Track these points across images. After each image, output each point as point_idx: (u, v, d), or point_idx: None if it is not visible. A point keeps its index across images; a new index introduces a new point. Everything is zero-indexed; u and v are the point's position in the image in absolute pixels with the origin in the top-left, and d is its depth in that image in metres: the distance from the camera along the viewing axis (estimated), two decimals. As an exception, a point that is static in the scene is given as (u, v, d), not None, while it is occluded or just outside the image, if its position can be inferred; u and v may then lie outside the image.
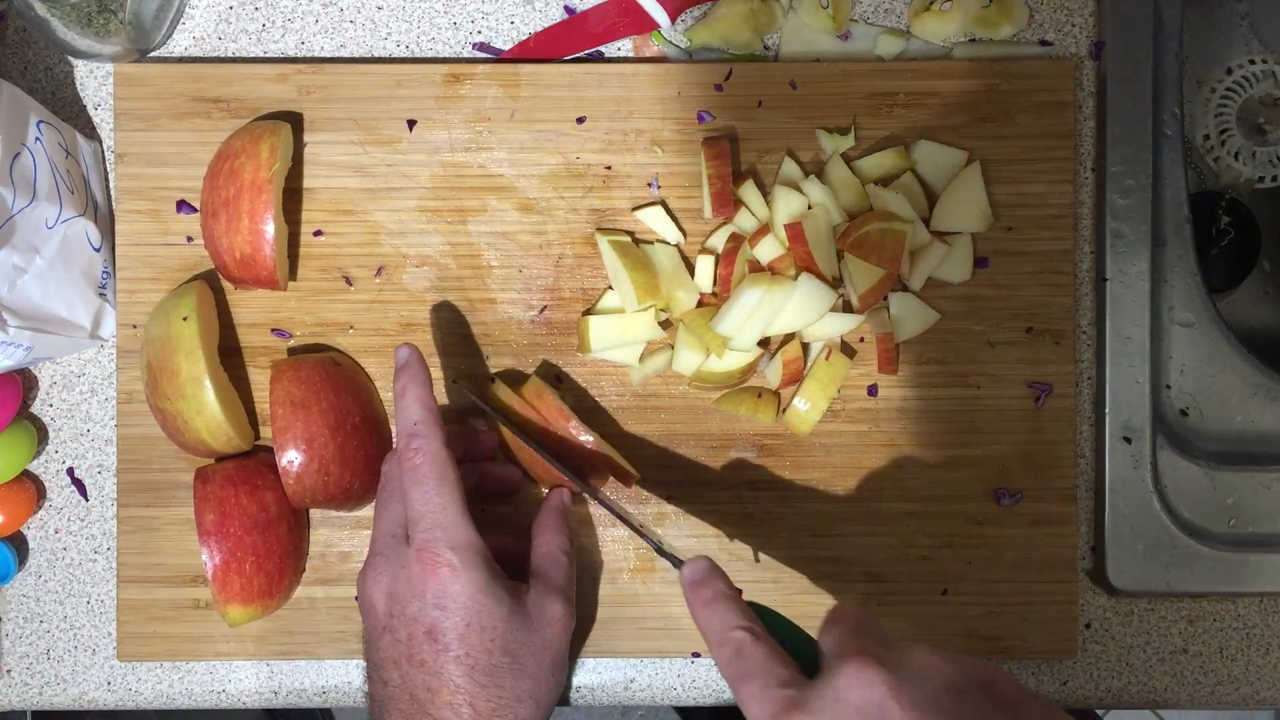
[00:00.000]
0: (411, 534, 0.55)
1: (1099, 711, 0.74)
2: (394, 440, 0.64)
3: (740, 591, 0.51)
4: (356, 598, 0.58)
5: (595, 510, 0.64)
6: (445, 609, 0.53)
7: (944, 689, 0.44)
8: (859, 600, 0.64)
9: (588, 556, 0.64)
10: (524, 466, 0.63)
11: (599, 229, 0.64)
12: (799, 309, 0.62)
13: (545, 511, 0.61)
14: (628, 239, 0.64)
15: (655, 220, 0.64)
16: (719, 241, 0.64)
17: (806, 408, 0.63)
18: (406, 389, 0.57)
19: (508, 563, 0.57)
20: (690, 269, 0.64)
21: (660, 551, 0.58)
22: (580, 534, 0.64)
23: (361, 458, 0.61)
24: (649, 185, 0.65)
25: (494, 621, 0.54)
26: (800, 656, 0.48)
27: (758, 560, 0.63)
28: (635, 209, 0.65)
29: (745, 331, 0.61)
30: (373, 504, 0.64)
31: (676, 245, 0.64)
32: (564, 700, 0.67)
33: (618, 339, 0.63)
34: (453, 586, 0.53)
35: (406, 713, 0.53)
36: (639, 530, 0.61)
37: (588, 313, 0.64)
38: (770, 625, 0.50)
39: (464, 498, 0.55)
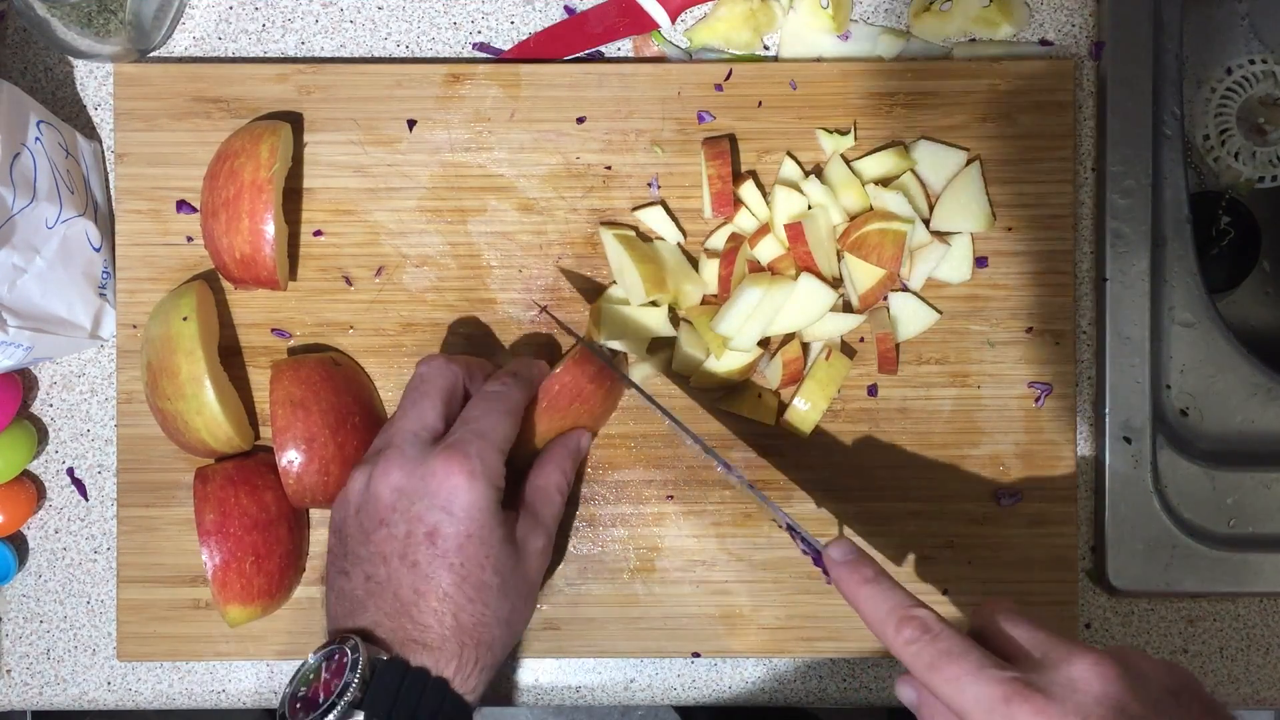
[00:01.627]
0: (451, 433, 0.55)
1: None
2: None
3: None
4: (348, 491, 0.56)
5: (596, 510, 0.64)
6: (451, 514, 0.53)
7: (1165, 690, 0.45)
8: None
9: (588, 557, 0.64)
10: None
11: (603, 223, 0.64)
12: (799, 309, 0.62)
13: (556, 446, 0.61)
14: (632, 233, 0.64)
15: (655, 220, 0.64)
16: (719, 241, 0.64)
17: (806, 408, 0.63)
18: (530, 363, 0.60)
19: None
20: (694, 264, 0.64)
21: (792, 531, 0.57)
22: (582, 534, 0.64)
23: (361, 458, 0.61)
24: (649, 185, 0.65)
25: (492, 539, 0.54)
26: None
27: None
28: (635, 209, 0.65)
29: (745, 331, 0.61)
30: None
31: (678, 244, 0.64)
32: (563, 700, 0.67)
33: (628, 330, 0.63)
34: (464, 495, 0.53)
35: (387, 611, 0.52)
36: (767, 501, 0.59)
37: (600, 297, 0.64)
38: None
39: (512, 439, 0.56)
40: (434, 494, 0.53)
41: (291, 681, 0.52)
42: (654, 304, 0.63)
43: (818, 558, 0.53)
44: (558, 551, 0.64)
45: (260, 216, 0.59)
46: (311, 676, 0.51)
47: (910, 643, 0.46)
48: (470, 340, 0.65)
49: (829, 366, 0.63)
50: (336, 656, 0.51)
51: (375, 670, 0.50)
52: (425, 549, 0.53)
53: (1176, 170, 0.66)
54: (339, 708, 0.49)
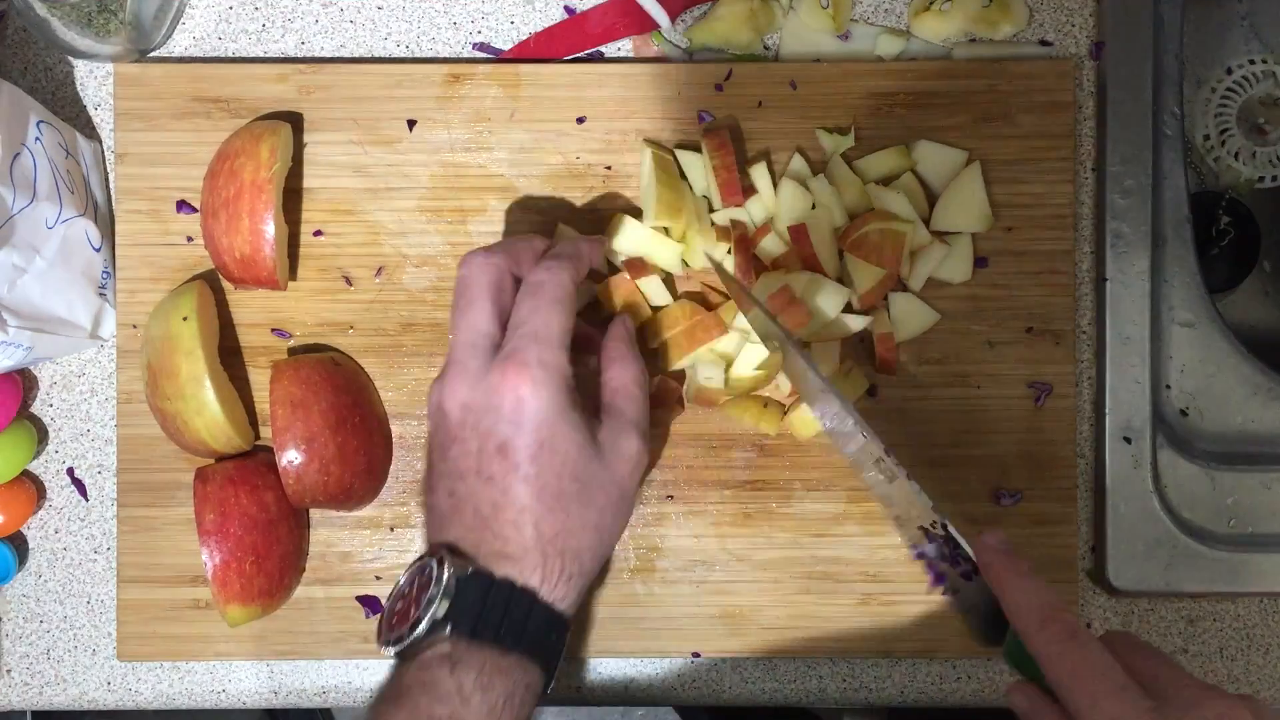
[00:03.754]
0: (506, 340, 0.53)
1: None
2: (390, 434, 0.64)
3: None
4: (429, 408, 0.55)
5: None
6: (520, 425, 0.52)
7: None
8: (859, 600, 0.64)
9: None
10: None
11: (646, 140, 0.64)
12: (813, 305, 0.61)
13: (612, 343, 0.58)
14: (670, 158, 0.64)
15: (688, 162, 0.64)
16: (721, 219, 0.63)
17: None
18: (574, 243, 0.58)
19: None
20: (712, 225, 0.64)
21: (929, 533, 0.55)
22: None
23: (362, 458, 0.61)
24: (649, 185, 0.65)
25: (566, 446, 0.52)
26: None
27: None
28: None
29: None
30: (374, 490, 0.64)
31: (703, 197, 0.64)
32: (568, 698, 0.67)
33: (642, 248, 0.62)
34: (531, 404, 0.51)
35: (469, 525, 0.52)
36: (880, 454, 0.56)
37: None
38: None
39: (570, 328, 0.54)
40: (499, 408, 0.52)
41: (389, 598, 0.53)
42: (665, 232, 0.62)
43: (951, 557, 0.53)
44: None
45: (260, 216, 0.59)
46: (407, 591, 0.51)
47: (1054, 642, 0.47)
48: (470, 340, 0.65)
49: (845, 380, 0.63)
50: (425, 571, 0.51)
51: (460, 583, 0.50)
52: (498, 463, 0.52)
53: (1176, 170, 0.66)
54: (424, 622, 0.49)
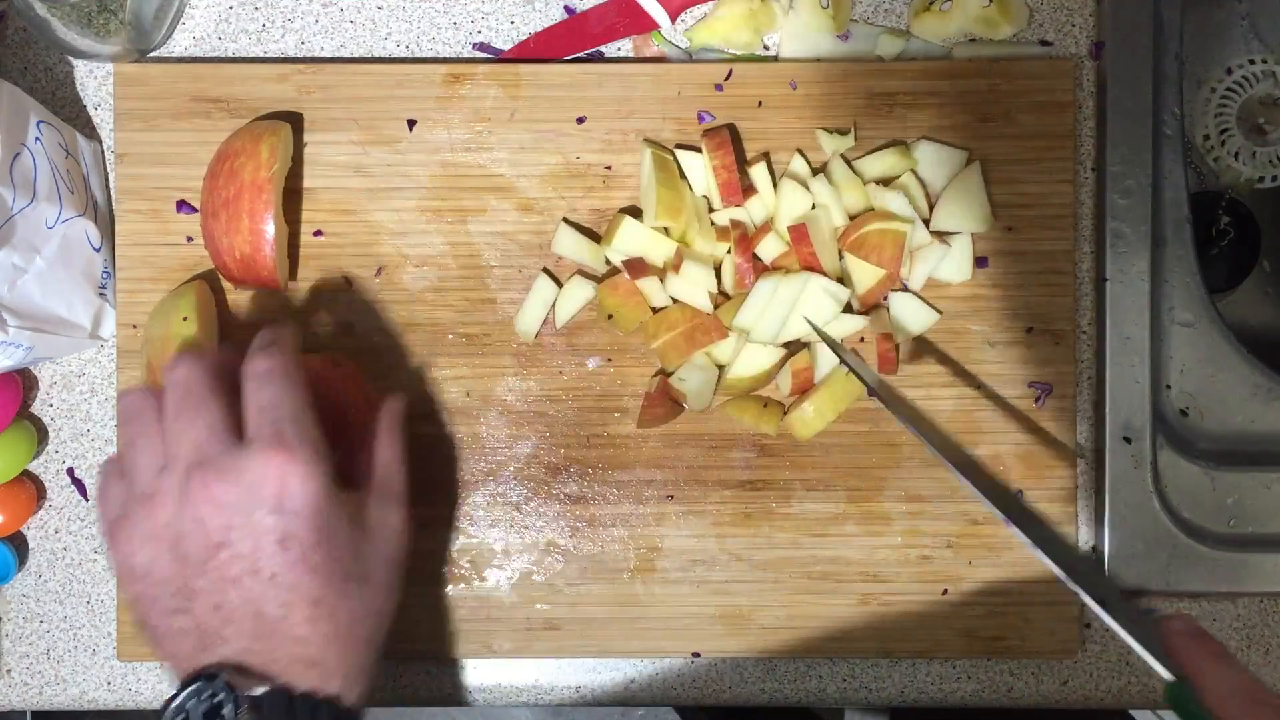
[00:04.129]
0: (257, 427, 0.49)
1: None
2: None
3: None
4: (150, 527, 0.49)
5: (596, 510, 0.64)
6: (297, 514, 0.48)
7: None
8: (858, 600, 0.64)
9: (588, 557, 0.64)
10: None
11: (646, 140, 0.64)
12: (813, 307, 0.61)
13: (386, 418, 0.58)
14: (670, 157, 0.64)
15: (689, 164, 0.63)
16: (722, 219, 0.64)
17: (812, 414, 0.63)
18: (274, 329, 0.55)
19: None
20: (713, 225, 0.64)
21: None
22: (582, 534, 0.64)
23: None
24: (649, 185, 0.65)
25: (343, 528, 0.50)
26: None
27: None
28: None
29: (763, 323, 0.61)
30: None
31: (703, 197, 0.64)
32: (563, 699, 0.67)
33: (642, 248, 0.62)
34: (299, 491, 0.48)
35: (254, 633, 0.47)
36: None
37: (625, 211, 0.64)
38: None
39: (313, 414, 0.51)
40: (267, 499, 0.48)
41: None
42: (665, 232, 0.62)
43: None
44: (569, 555, 0.64)
45: (260, 216, 0.59)
46: None
47: None
48: (470, 340, 0.65)
49: (847, 382, 0.63)
50: (208, 697, 0.45)
51: (261, 708, 0.46)
52: (280, 558, 0.48)
53: (1176, 170, 0.66)
54: None
